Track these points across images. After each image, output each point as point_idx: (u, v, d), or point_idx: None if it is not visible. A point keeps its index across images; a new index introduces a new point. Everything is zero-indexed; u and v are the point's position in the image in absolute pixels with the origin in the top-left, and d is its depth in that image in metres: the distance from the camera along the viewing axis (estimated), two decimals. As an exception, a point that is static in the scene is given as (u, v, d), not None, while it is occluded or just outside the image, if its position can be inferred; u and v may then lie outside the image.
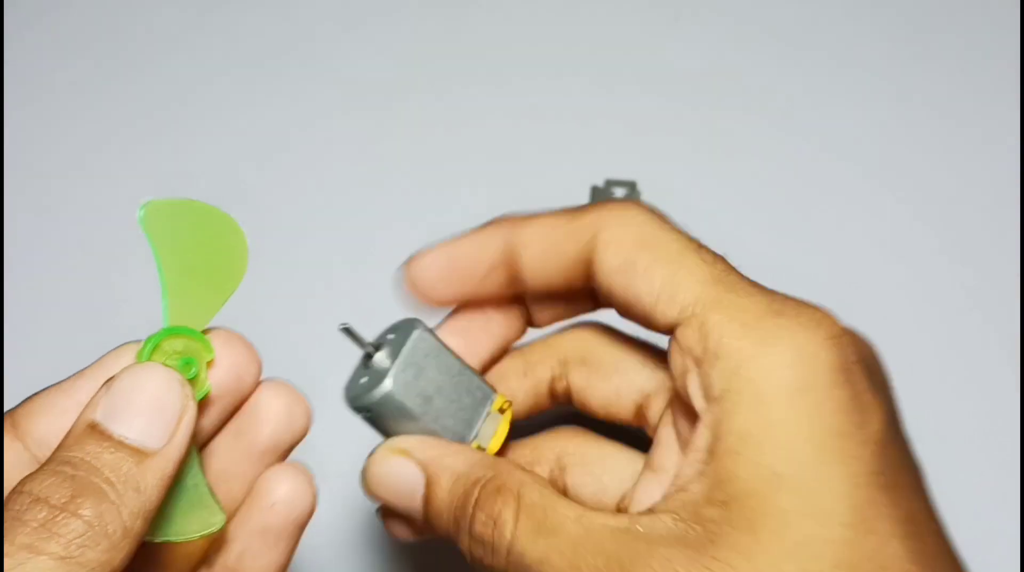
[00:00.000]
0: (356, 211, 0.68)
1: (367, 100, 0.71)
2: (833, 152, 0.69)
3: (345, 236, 0.67)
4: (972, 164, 0.69)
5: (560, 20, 0.73)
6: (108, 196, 0.69)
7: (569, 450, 0.47)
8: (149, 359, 0.38)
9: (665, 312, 0.39)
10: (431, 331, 0.44)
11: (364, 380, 0.43)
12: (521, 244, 0.43)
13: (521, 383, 0.47)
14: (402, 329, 0.44)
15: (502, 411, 0.45)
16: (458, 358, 0.44)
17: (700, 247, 0.41)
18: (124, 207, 0.69)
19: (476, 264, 0.44)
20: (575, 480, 0.46)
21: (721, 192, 0.68)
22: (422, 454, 0.42)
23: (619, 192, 0.67)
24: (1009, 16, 0.72)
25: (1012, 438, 0.61)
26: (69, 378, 0.40)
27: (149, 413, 0.36)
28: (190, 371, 0.38)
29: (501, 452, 0.45)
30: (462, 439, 0.44)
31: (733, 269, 0.40)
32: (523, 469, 0.41)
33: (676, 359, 0.40)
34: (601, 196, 0.67)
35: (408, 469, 0.42)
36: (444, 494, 0.41)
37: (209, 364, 0.39)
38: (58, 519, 0.33)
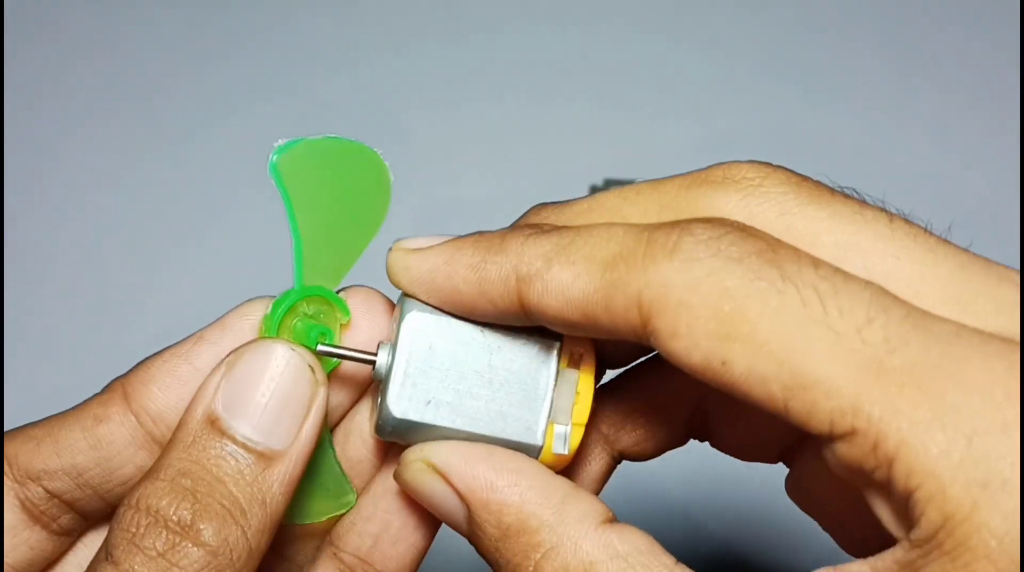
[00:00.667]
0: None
1: (367, 100, 0.71)
2: (831, 154, 0.69)
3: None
4: (971, 168, 0.69)
5: (559, 22, 0.74)
6: (108, 196, 0.69)
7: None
8: (278, 331, 0.33)
9: (803, 412, 0.27)
10: (427, 306, 0.33)
11: (379, 400, 0.33)
12: (540, 298, 0.31)
13: (651, 418, 0.37)
14: (397, 315, 0.33)
15: (574, 363, 0.32)
16: (475, 323, 0.33)
17: (838, 299, 0.27)
18: (124, 207, 0.70)
19: (469, 298, 0.32)
20: (723, 426, 0.37)
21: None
22: (461, 479, 0.32)
23: (618, 191, 0.68)
24: (1010, 15, 0.73)
25: None
26: (187, 340, 0.35)
27: (275, 408, 0.31)
28: (324, 341, 0.33)
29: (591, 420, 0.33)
30: (528, 427, 0.32)
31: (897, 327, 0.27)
32: (602, 523, 0.31)
33: (837, 462, 0.28)
34: (600, 195, 0.67)
35: (447, 495, 0.33)
36: (492, 540, 0.32)
37: (343, 327, 0.33)
38: (178, 548, 0.30)
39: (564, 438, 0.32)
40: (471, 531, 0.32)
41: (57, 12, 0.74)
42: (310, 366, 0.32)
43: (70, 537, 0.36)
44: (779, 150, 0.70)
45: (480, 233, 0.33)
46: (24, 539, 0.35)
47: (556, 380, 0.32)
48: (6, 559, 0.34)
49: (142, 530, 0.30)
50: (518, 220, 0.34)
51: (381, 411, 0.32)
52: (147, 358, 0.36)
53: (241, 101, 0.72)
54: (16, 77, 0.72)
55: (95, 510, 0.35)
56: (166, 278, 0.67)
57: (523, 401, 0.32)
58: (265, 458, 0.31)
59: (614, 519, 0.31)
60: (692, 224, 0.29)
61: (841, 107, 0.71)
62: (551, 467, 0.32)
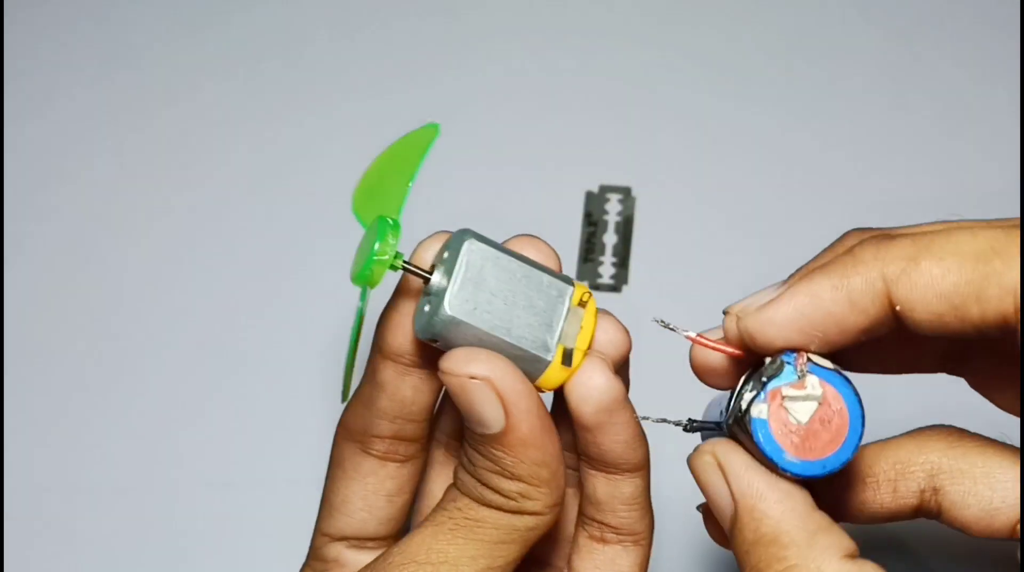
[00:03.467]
0: (352, 216, 0.68)
1: (364, 104, 0.71)
2: (829, 157, 0.70)
3: (343, 240, 0.67)
4: (971, 166, 0.69)
5: (558, 25, 0.74)
6: (108, 197, 0.69)
7: (944, 465, 0.39)
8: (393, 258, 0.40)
9: None
10: (484, 238, 0.40)
11: (427, 308, 0.40)
12: (909, 293, 0.34)
13: (880, 496, 0.40)
14: (454, 244, 0.40)
15: (583, 304, 0.40)
16: (521, 259, 0.40)
17: None
18: (124, 208, 0.70)
19: (841, 317, 0.35)
20: (955, 500, 0.39)
21: (715, 198, 0.68)
22: (738, 486, 0.36)
23: (614, 198, 0.68)
24: (1009, 19, 0.73)
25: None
26: None
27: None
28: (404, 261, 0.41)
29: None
30: (544, 345, 0.39)
31: None
32: (845, 556, 0.35)
33: None
34: (596, 201, 0.68)
35: (722, 493, 0.37)
36: (746, 542, 0.36)
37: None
38: None
39: (569, 356, 0.40)
40: (732, 528, 0.36)
41: (57, 12, 0.74)
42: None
43: (417, 459, 0.45)
44: (775, 155, 0.70)
45: (814, 266, 0.36)
46: (388, 473, 0.44)
47: (567, 314, 0.40)
48: (385, 495, 0.44)
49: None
50: (833, 245, 0.38)
51: (437, 310, 0.39)
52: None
53: (241, 102, 0.72)
54: (16, 77, 0.72)
55: (417, 436, 0.44)
56: (166, 278, 0.67)
57: (542, 325, 0.40)
58: None
59: (856, 555, 0.35)
60: None
61: (840, 109, 0.71)
62: (556, 379, 0.40)
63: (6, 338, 0.65)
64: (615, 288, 0.66)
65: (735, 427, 0.37)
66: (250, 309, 0.66)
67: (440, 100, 0.72)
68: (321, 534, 0.45)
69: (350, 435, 0.44)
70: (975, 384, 0.40)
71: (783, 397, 0.36)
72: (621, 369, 0.42)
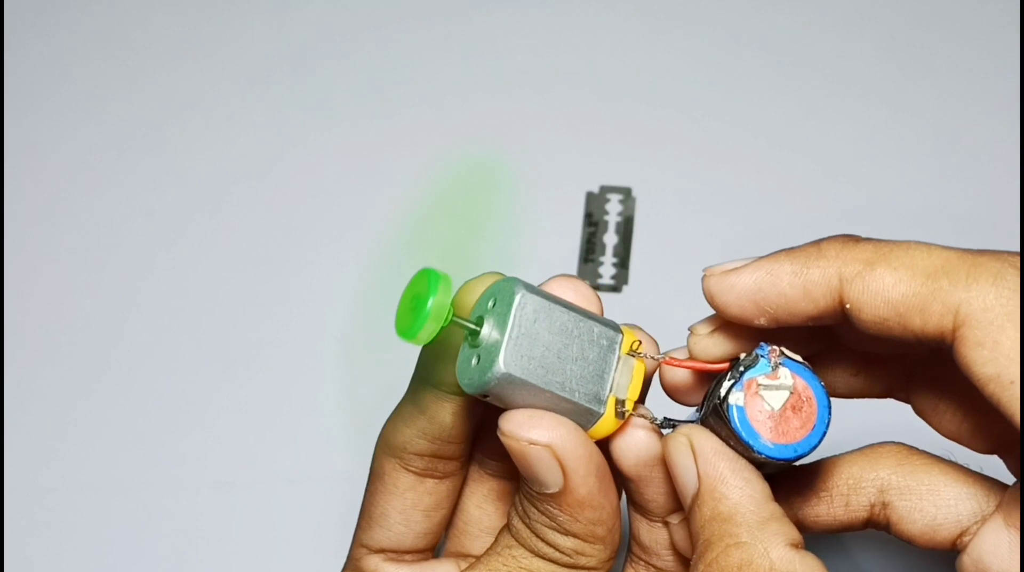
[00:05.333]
0: (350, 213, 0.68)
1: (364, 108, 0.71)
2: (829, 158, 0.70)
3: (342, 240, 0.68)
4: (969, 174, 0.69)
5: (557, 27, 0.74)
6: (108, 197, 0.69)
7: (893, 482, 0.42)
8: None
9: None
10: (533, 288, 0.39)
11: (475, 362, 0.39)
12: (860, 295, 0.37)
13: (834, 510, 0.43)
14: (502, 294, 0.39)
15: (634, 353, 0.40)
16: (570, 308, 0.39)
17: None
18: (123, 208, 0.70)
19: (793, 300, 0.38)
20: (901, 515, 0.42)
21: (714, 199, 0.68)
22: (705, 466, 0.39)
23: (614, 198, 0.68)
24: (1009, 19, 0.73)
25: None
26: None
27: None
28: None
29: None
30: (597, 398, 0.39)
31: None
32: (791, 545, 0.37)
33: None
34: (596, 202, 0.68)
35: (688, 472, 0.39)
36: (701, 520, 0.38)
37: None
38: None
39: (622, 408, 0.40)
40: (691, 504, 0.38)
41: (58, 11, 0.74)
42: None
43: (456, 476, 0.45)
44: (775, 155, 0.70)
45: (785, 250, 0.39)
46: (426, 489, 0.44)
47: (618, 364, 0.40)
48: (422, 510, 0.45)
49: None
50: (817, 242, 0.40)
51: (491, 366, 0.38)
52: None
53: (239, 103, 0.72)
54: (15, 76, 0.72)
55: (456, 455, 0.45)
56: (167, 278, 0.67)
57: (594, 377, 0.39)
58: None
59: (802, 546, 0.38)
60: (1014, 257, 0.36)
61: (839, 111, 0.71)
62: (608, 431, 0.40)
63: (6, 338, 0.65)
64: (615, 288, 0.66)
65: (711, 417, 0.39)
66: (252, 309, 0.66)
67: (440, 100, 0.72)
68: (359, 545, 0.46)
69: (390, 450, 0.44)
70: (919, 410, 0.43)
71: (758, 386, 0.39)
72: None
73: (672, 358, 0.41)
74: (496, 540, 0.42)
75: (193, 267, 0.67)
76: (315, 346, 0.65)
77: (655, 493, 0.41)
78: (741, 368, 0.39)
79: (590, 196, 0.68)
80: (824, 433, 0.38)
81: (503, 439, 0.39)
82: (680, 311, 0.69)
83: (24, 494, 0.62)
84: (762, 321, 0.39)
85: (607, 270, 0.67)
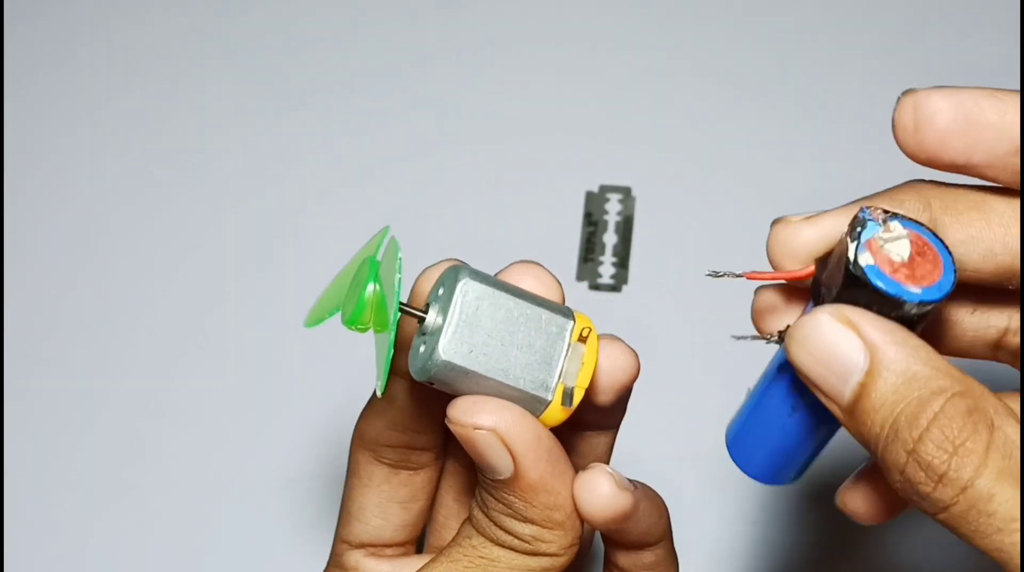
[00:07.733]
0: (350, 213, 0.68)
1: (364, 103, 0.71)
2: (829, 157, 0.70)
3: (343, 241, 0.67)
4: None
5: (558, 25, 0.74)
6: (108, 197, 0.69)
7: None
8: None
9: None
10: (480, 275, 0.39)
11: (422, 349, 0.39)
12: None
13: (963, 330, 0.41)
14: (449, 281, 0.39)
15: (583, 339, 0.39)
16: (519, 295, 0.39)
17: None
18: (124, 208, 0.70)
19: (999, 136, 0.37)
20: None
21: (715, 198, 0.69)
22: (874, 333, 0.34)
23: (614, 198, 0.68)
24: (1009, 19, 0.73)
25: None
26: None
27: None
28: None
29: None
30: (544, 385, 0.38)
31: None
32: (997, 396, 0.34)
33: None
34: (596, 201, 0.68)
35: (852, 346, 0.34)
36: (889, 391, 0.34)
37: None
38: None
39: (570, 396, 0.39)
40: (863, 383, 0.34)
41: (58, 11, 0.74)
42: None
43: (431, 467, 0.45)
44: (776, 155, 0.70)
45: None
46: (400, 481, 0.44)
47: (568, 351, 0.39)
48: (399, 503, 0.45)
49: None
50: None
51: (431, 354, 0.38)
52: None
53: (240, 104, 0.72)
54: (15, 76, 0.72)
55: (429, 446, 0.44)
56: (166, 278, 0.67)
57: (541, 364, 0.38)
58: None
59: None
60: None
61: (839, 111, 0.71)
62: (556, 419, 0.39)
63: (6, 338, 0.65)
64: (615, 288, 0.66)
65: (843, 292, 0.37)
66: (252, 309, 0.66)
67: (440, 100, 0.72)
68: (340, 541, 0.46)
69: (363, 443, 0.44)
70: None
71: (881, 241, 0.37)
72: (626, 395, 0.41)
73: (755, 273, 0.39)
74: (458, 531, 0.41)
75: (193, 267, 0.67)
76: (317, 346, 0.65)
77: (629, 536, 0.41)
78: (858, 230, 0.37)
79: (590, 195, 0.68)
80: (954, 266, 0.37)
81: (450, 426, 0.38)
82: (680, 310, 0.69)
83: (24, 494, 0.62)
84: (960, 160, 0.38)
85: (607, 270, 0.67)
